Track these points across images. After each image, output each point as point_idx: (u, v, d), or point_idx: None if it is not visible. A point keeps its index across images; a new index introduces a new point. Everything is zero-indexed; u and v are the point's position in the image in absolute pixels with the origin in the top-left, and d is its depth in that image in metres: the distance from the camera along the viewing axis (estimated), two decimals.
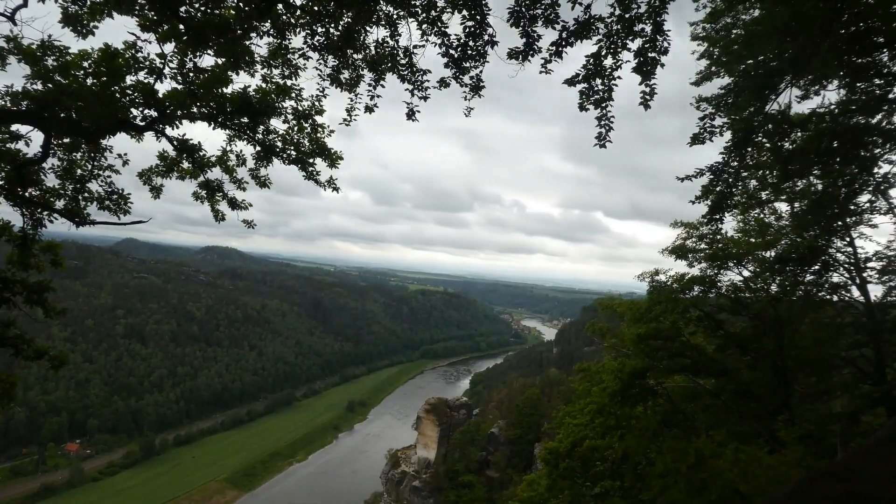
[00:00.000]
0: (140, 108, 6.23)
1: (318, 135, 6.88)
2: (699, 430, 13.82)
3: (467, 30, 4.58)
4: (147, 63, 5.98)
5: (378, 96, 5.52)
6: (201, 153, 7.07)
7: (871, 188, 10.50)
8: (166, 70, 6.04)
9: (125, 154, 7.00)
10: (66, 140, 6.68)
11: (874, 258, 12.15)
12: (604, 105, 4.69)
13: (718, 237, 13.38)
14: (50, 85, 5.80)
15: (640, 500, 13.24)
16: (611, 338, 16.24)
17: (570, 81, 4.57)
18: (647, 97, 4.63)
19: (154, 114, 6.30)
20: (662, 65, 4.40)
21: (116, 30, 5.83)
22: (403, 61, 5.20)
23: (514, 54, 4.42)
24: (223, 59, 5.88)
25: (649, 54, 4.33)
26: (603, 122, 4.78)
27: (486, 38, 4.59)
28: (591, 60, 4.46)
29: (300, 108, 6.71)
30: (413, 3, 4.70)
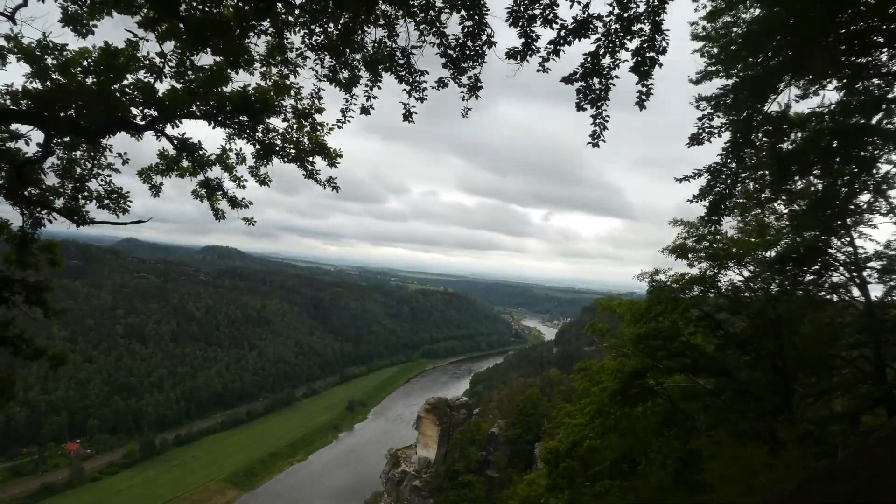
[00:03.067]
0: (140, 107, 6.23)
1: (318, 133, 6.87)
2: (699, 429, 13.82)
3: (466, 30, 4.56)
4: (147, 62, 5.98)
5: (374, 97, 5.51)
6: (201, 152, 7.06)
7: (870, 188, 10.48)
8: (166, 69, 6.03)
9: (125, 153, 6.99)
10: (66, 139, 6.67)
11: (874, 258, 12.14)
12: (600, 104, 4.65)
13: (718, 237, 13.37)
14: (49, 84, 5.80)
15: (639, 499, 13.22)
16: (611, 338, 16.25)
17: (568, 79, 4.53)
18: (644, 97, 4.58)
19: (154, 113, 6.30)
20: (661, 64, 4.37)
21: (116, 28, 5.83)
22: (401, 61, 5.19)
23: (513, 54, 4.40)
24: (222, 58, 5.87)
25: (647, 54, 4.30)
26: (598, 121, 4.71)
27: (484, 38, 4.57)
28: (589, 59, 4.43)
29: (300, 107, 6.71)
30: (412, 2, 4.68)
